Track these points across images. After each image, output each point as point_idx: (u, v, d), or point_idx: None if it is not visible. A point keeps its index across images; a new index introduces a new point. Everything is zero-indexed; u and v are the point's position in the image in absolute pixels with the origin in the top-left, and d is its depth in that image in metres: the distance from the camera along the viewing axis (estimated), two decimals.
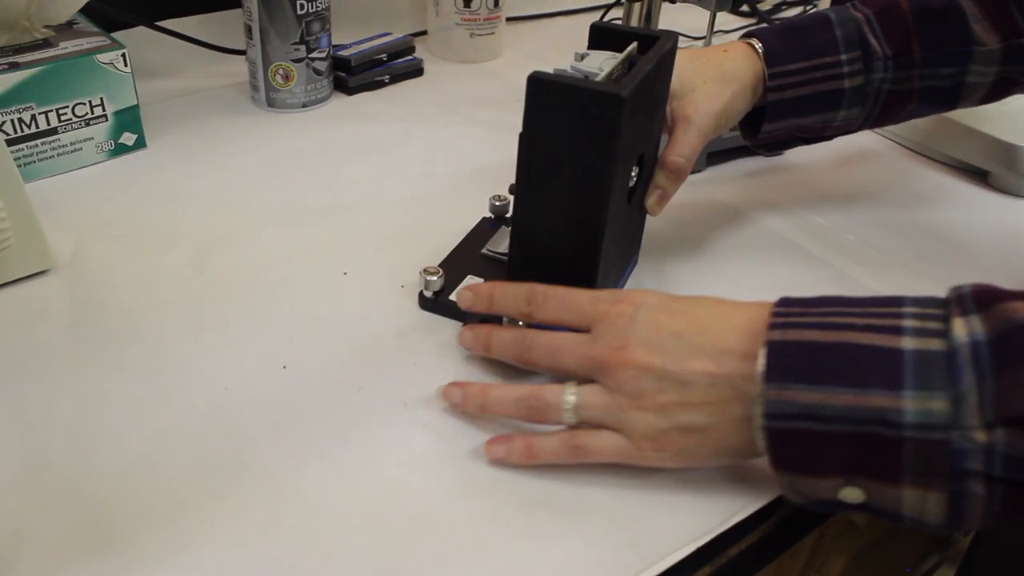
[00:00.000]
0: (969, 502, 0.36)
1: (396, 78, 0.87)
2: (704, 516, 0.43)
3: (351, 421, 0.47)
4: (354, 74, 0.83)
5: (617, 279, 0.57)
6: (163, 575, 0.39)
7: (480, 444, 0.46)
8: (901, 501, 0.38)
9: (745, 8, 1.10)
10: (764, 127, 0.61)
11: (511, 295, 0.49)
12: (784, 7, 1.16)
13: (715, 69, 0.58)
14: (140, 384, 0.49)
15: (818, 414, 0.38)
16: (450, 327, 0.54)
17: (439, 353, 0.52)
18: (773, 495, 0.45)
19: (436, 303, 0.55)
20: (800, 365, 0.38)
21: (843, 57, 0.59)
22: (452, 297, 0.54)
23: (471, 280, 0.56)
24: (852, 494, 0.39)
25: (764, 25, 0.64)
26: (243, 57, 0.82)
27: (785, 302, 0.42)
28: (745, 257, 0.64)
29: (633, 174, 0.52)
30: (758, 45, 0.60)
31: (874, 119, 0.63)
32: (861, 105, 0.61)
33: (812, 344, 0.39)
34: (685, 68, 0.57)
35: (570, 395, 0.45)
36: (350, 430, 0.47)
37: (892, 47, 0.59)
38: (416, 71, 0.88)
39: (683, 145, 0.56)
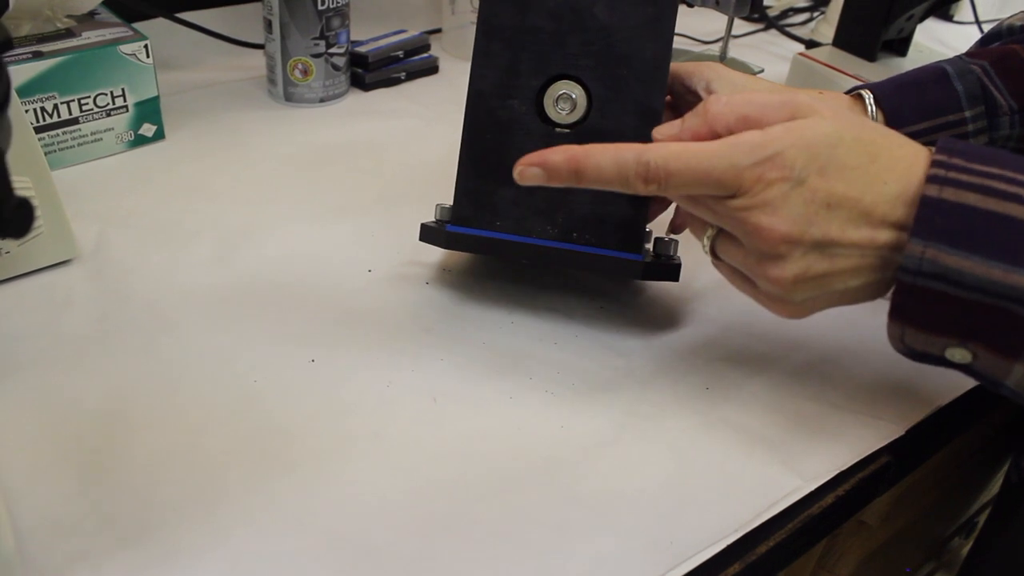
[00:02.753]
0: None
1: (412, 75, 0.87)
2: (735, 513, 0.44)
3: (382, 415, 0.48)
4: (371, 70, 0.84)
5: (548, 235, 0.53)
6: (199, 566, 0.40)
7: (510, 442, 0.47)
8: (1010, 373, 0.39)
9: (755, 14, 1.11)
10: None
11: (611, 165, 0.42)
12: (791, 13, 1.17)
13: (788, 95, 0.47)
14: (170, 374, 0.49)
15: (957, 279, 0.38)
16: (477, 327, 0.55)
17: (466, 349, 0.53)
18: (803, 492, 0.46)
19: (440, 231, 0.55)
20: (952, 228, 0.38)
21: (967, 114, 0.53)
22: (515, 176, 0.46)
23: None
24: (959, 355, 0.40)
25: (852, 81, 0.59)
26: (260, 51, 0.82)
27: (947, 149, 0.40)
28: None
29: (562, 98, 0.52)
30: (868, 97, 0.53)
31: None
32: None
33: (970, 210, 0.38)
34: (748, 82, 0.53)
35: (706, 238, 0.46)
36: (381, 424, 0.47)
37: (1017, 100, 0.54)
38: (431, 69, 0.89)
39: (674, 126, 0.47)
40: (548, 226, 0.53)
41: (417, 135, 0.77)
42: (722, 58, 0.83)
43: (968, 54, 0.59)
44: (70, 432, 0.45)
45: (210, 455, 0.45)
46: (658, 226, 0.58)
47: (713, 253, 0.46)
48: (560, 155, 0.43)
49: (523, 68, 0.53)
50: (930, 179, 0.39)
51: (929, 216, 0.38)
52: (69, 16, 0.70)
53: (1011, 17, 0.64)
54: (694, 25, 1.03)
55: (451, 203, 0.55)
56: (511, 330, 0.54)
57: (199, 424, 0.47)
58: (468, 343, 0.53)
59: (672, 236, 0.56)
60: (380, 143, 0.76)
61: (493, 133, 0.53)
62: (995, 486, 0.87)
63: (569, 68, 0.52)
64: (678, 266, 0.54)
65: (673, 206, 0.58)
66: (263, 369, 0.50)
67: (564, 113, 0.52)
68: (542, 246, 0.53)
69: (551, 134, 0.53)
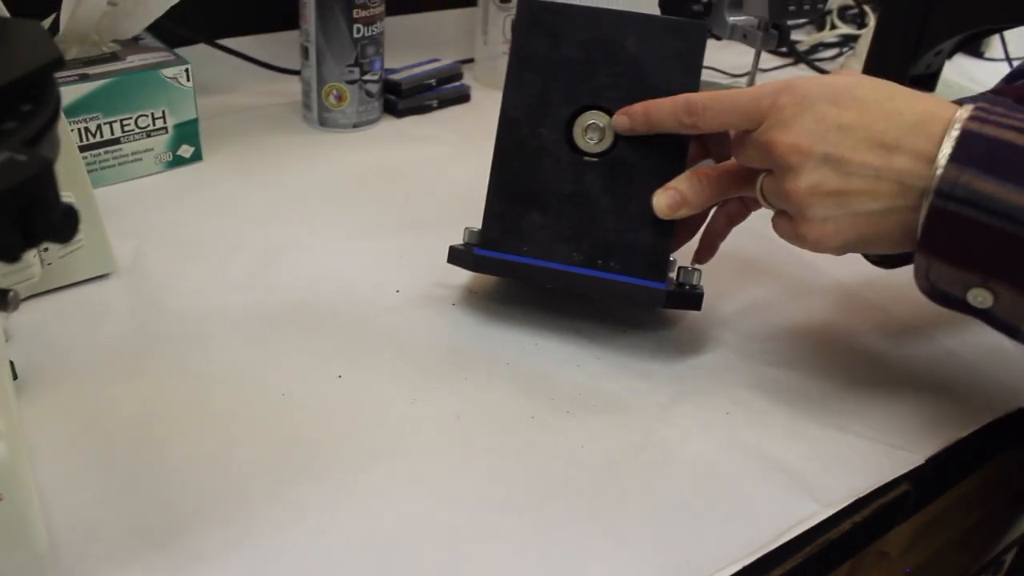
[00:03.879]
0: None
1: (444, 103, 0.89)
2: (752, 535, 0.44)
3: (405, 431, 0.49)
4: (404, 97, 0.86)
5: (573, 260, 0.54)
6: (223, 570, 0.40)
7: (531, 460, 0.48)
8: None
9: (783, 48, 1.12)
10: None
11: (668, 109, 0.50)
12: (821, 48, 1.18)
13: None
14: (201, 386, 0.51)
15: (987, 205, 0.40)
16: (502, 348, 0.56)
17: (491, 369, 0.54)
18: (820, 517, 0.46)
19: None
20: (988, 157, 0.40)
21: None
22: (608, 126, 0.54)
23: None
24: (980, 296, 0.42)
25: None
26: (296, 77, 0.84)
27: (991, 100, 0.43)
28: (769, 282, 0.65)
29: (591, 128, 0.53)
30: None
31: None
32: None
33: (1007, 144, 0.40)
34: None
35: (758, 184, 0.49)
36: (404, 440, 0.48)
37: None
38: (463, 97, 0.91)
39: (725, 166, 0.53)
40: (574, 252, 0.54)
41: (447, 161, 0.79)
42: None
43: (993, 91, 0.59)
44: (103, 439, 0.47)
45: (237, 465, 0.46)
46: (683, 257, 0.59)
47: (762, 195, 0.49)
48: (639, 106, 0.52)
49: (554, 97, 0.54)
50: (972, 118, 0.41)
51: (968, 145, 0.41)
52: (115, 40, 0.72)
53: None
54: (722, 58, 1.04)
55: (479, 227, 0.56)
56: (535, 352, 0.55)
57: (227, 435, 0.48)
58: (492, 363, 0.54)
59: (696, 266, 0.57)
60: (411, 168, 0.77)
61: (523, 159, 0.55)
62: (1022, 525, 0.86)
63: (598, 99, 0.54)
64: (700, 295, 0.55)
65: (697, 237, 0.58)
66: (291, 383, 0.51)
67: (592, 142, 0.54)
68: (567, 272, 0.54)
69: (579, 162, 0.54)
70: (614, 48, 0.53)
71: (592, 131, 0.54)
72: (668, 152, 0.53)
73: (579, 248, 0.54)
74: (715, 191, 0.52)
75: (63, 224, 0.30)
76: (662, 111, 0.51)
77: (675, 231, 0.54)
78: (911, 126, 0.43)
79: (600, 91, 0.54)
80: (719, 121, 0.49)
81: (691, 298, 0.55)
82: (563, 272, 0.54)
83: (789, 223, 0.48)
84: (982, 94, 0.59)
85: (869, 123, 0.44)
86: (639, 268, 0.53)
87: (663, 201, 0.52)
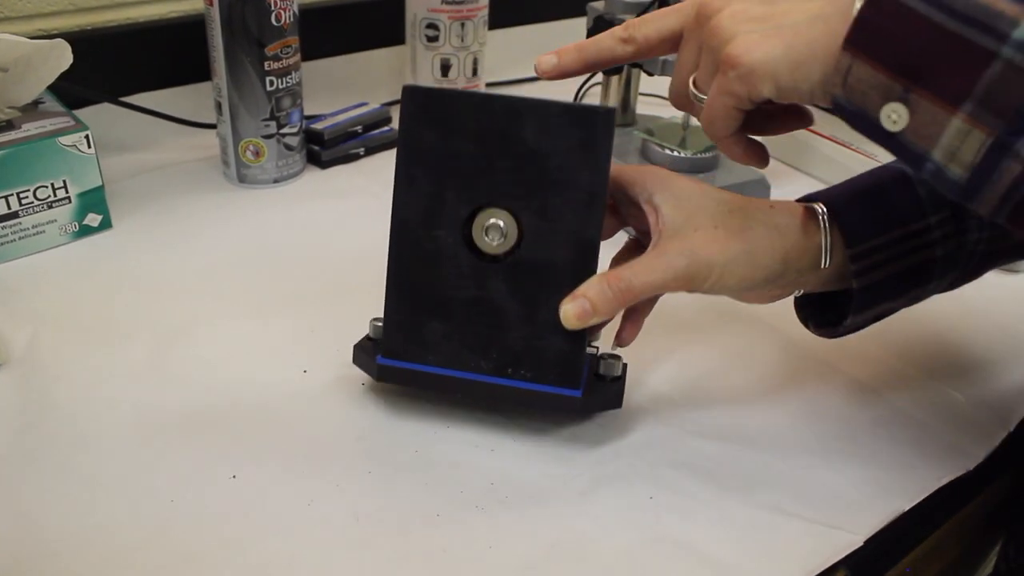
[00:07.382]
0: (1005, 169, 0.35)
1: (371, 150, 0.86)
2: None
3: (300, 538, 0.45)
4: (327, 148, 0.82)
5: (482, 370, 0.50)
6: None
7: (434, 567, 0.44)
8: (941, 134, 0.36)
9: None
10: (849, 320, 0.51)
11: (604, 34, 0.48)
12: None
13: (738, 219, 0.49)
14: (85, 495, 0.47)
15: None
16: (411, 434, 0.52)
17: (397, 460, 0.50)
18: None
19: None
20: None
21: (932, 220, 0.50)
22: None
23: None
24: (895, 115, 0.38)
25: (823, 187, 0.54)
26: (214, 130, 0.81)
27: None
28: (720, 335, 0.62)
29: (492, 228, 0.49)
30: (822, 212, 0.50)
31: (960, 281, 0.55)
32: (952, 271, 0.52)
33: None
34: (693, 191, 0.50)
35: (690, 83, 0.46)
36: (298, 549, 0.45)
37: None
38: (392, 143, 0.87)
39: (639, 270, 0.47)
40: (482, 361, 0.50)
41: (371, 216, 0.75)
42: (685, 125, 0.81)
43: None
44: None
45: None
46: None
47: (694, 87, 0.46)
48: (570, 47, 0.49)
49: (449, 196, 0.49)
50: None
51: None
52: (11, 108, 0.68)
53: None
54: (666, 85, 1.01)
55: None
56: (446, 436, 0.52)
57: (108, 553, 0.44)
58: (400, 452, 0.51)
59: (616, 350, 0.53)
60: (333, 226, 0.74)
61: (420, 265, 0.50)
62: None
63: (497, 196, 0.49)
64: (621, 393, 0.52)
65: (617, 320, 0.54)
66: (182, 488, 0.48)
67: (494, 243, 0.49)
68: (476, 381, 0.50)
69: (480, 266, 0.50)
70: (511, 139, 0.49)
71: (493, 231, 0.49)
72: (577, 251, 0.49)
73: (487, 357, 0.50)
74: (623, 300, 0.48)
75: None
76: (599, 38, 0.48)
77: (587, 335, 0.50)
78: None
79: (498, 187, 0.49)
80: (655, 26, 0.47)
81: (608, 399, 0.51)
82: (472, 382, 0.50)
83: (715, 76, 0.43)
84: None
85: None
86: (551, 376, 0.49)
87: (571, 311, 0.47)
